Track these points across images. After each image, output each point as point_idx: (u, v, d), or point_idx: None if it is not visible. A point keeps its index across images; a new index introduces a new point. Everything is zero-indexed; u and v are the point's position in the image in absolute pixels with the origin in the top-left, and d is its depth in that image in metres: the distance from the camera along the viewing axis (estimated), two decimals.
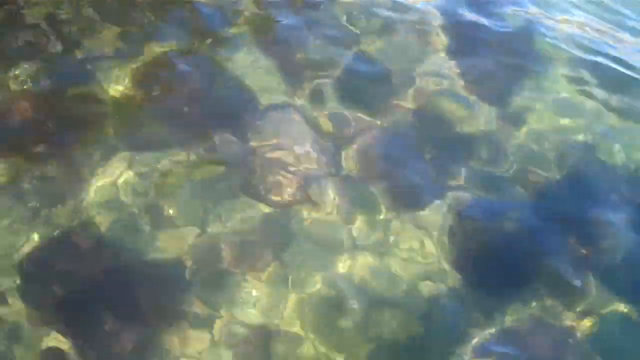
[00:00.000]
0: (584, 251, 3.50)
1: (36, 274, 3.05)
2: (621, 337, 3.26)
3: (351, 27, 4.37)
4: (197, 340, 2.96)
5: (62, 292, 3.00)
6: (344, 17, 4.41)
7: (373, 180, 3.60)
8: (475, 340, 3.10)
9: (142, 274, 3.12)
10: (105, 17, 3.99)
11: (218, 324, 3.01)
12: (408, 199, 3.57)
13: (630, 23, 5.07)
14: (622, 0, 5.25)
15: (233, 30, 4.15)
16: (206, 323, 3.00)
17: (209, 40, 4.07)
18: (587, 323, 3.24)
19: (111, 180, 3.35)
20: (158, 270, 3.13)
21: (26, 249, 3.08)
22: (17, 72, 3.63)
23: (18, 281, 2.99)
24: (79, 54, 3.81)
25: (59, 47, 3.80)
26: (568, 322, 3.24)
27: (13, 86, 3.59)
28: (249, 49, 4.04)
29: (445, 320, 3.17)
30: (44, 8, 3.95)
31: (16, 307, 2.92)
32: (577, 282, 3.37)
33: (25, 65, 3.66)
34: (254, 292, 3.12)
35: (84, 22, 3.95)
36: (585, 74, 4.41)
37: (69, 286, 3.02)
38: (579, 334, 3.20)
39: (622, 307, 3.31)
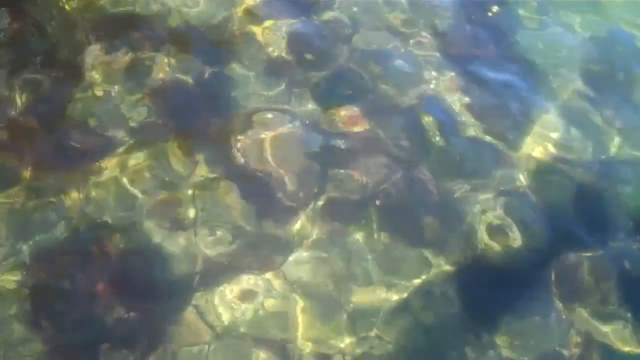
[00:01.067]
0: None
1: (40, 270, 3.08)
2: None
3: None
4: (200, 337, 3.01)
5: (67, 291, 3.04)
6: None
7: (368, 192, 3.57)
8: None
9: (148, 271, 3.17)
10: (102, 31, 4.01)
11: (220, 321, 3.07)
12: (404, 213, 3.55)
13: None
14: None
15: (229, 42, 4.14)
16: (208, 319, 3.06)
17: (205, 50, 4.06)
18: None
19: (114, 179, 3.39)
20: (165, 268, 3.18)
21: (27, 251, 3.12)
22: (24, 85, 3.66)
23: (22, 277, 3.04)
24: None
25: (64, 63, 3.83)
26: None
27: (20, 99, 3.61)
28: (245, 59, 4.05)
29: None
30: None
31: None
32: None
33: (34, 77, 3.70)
34: (254, 291, 3.16)
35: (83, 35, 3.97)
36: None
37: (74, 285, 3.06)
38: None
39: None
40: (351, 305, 3.18)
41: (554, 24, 4.59)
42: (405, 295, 3.24)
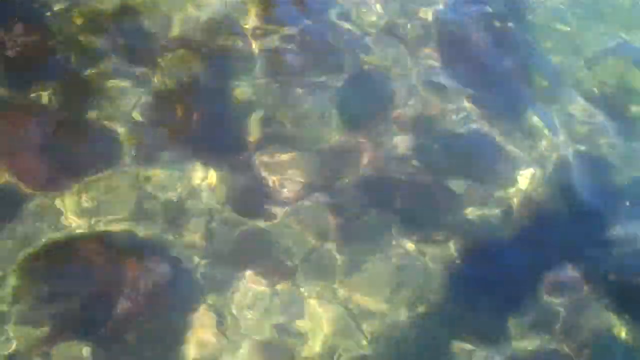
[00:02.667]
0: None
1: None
2: None
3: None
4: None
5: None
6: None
7: (371, 205, 3.60)
8: None
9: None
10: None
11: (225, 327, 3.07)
12: (407, 224, 3.57)
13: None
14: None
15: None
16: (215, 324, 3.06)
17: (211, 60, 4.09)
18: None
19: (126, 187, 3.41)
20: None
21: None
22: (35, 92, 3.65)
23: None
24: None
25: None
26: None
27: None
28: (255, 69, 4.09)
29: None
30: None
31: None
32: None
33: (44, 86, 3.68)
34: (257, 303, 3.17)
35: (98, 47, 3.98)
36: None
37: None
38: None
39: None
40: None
41: None
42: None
